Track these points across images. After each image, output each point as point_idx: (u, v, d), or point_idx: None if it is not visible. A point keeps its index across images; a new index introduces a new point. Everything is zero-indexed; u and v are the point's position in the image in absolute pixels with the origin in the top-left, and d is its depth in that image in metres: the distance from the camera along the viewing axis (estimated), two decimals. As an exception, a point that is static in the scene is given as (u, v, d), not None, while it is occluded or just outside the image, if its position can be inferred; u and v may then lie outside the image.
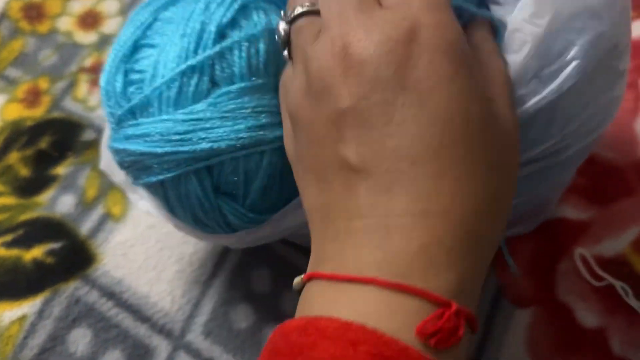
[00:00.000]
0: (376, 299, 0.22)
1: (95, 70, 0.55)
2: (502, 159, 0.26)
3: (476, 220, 0.24)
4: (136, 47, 0.32)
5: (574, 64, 0.32)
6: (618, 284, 0.46)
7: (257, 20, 0.30)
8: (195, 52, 0.29)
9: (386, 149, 0.23)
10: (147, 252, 0.48)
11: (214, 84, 0.30)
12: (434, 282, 0.23)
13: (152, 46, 0.31)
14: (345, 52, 0.23)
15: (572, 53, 0.31)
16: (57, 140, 0.53)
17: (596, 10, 0.31)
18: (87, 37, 0.58)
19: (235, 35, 0.30)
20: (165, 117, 0.29)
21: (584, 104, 0.36)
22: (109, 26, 0.58)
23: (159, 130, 0.29)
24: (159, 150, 0.29)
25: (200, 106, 0.29)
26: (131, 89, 0.31)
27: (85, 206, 0.50)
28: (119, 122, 0.31)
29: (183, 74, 0.29)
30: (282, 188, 0.31)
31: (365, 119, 0.23)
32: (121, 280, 0.47)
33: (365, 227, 0.23)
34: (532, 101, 0.32)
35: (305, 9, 0.27)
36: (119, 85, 0.31)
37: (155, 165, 0.30)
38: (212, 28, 0.30)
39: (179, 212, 0.32)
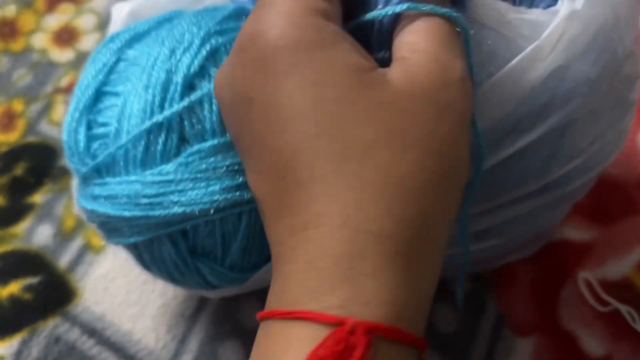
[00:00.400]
0: (275, 333, 0.21)
1: (72, 90, 0.53)
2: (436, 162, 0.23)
3: (383, 224, 0.21)
4: (99, 95, 0.29)
5: (580, 97, 0.30)
6: (624, 309, 0.45)
7: (229, 66, 0.28)
8: (162, 106, 0.27)
9: None
10: (130, 285, 0.46)
11: (184, 140, 0.27)
12: (327, 301, 0.20)
13: (115, 94, 0.29)
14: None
15: (582, 84, 0.29)
16: (33, 166, 0.50)
17: (610, 42, 0.28)
18: (63, 55, 0.55)
19: (204, 87, 0.27)
20: (133, 177, 0.27)
21: (590, 138, 0.33)
22: (85, 43, 0.56)
23: (127, 192, 0.27)
24: (127, 214, 0.27)
25: (170, 167, 0.27)
26: (95, 144, 0.28)
27: (63, 237, 0.47)
28: (85, 180, 0.29)
29: (149, 131, 0.27)
30: (263, 245, 0.29)
31: None
32: (103, 316, 0.45)
33: (274, 255, 0.23)
34: (534, 133, 0.30)
35: None
36: (82, 139, 0.29)
37: (125, 228, 0.28)
38: (178, 79, 0.27)
39: (154, 271, 0.30)
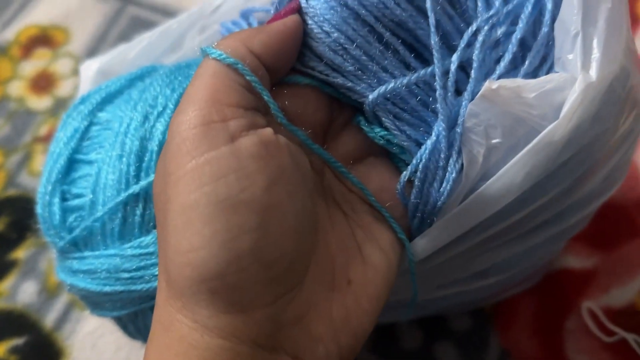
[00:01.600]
0: None
1: (50, 138, 0.51)
2: None
3: None
4: (72, 163, 0.28)
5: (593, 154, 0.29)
6: (631, 337, 0.43)
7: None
8: (137, 176, 0.25)
9: None
10: (118, 342, 0.44)
11: None
12: None
13: (89, 163, 0.27)
14: None
15: (593, 141, 0.28)
16: (15, 220, 0.49)
17: (619, 91, 0.28)
18: (40, 103, 0.54)
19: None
20: (112, 251, 0.26)
21: (597, 179, 0.32)
22: (63, 88, 0.54)
23: (106, 267, 0.25)
24: (108, 289, 0.25)
25: (149, 238, 0.25)
26: (71, 218, 0.27)
27: (48, 294, 0.46)
28: (62, 253, 0.27)
29: (126, 203, 0.25)
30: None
31: None
32: (92, 375, 0.43)
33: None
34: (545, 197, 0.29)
35: None
36: (56, 212, 0.27)
37: (107, 303, 0.26)
38: (154, 147, 0.26)
39: (140, 339, 0.28)
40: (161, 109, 0.27)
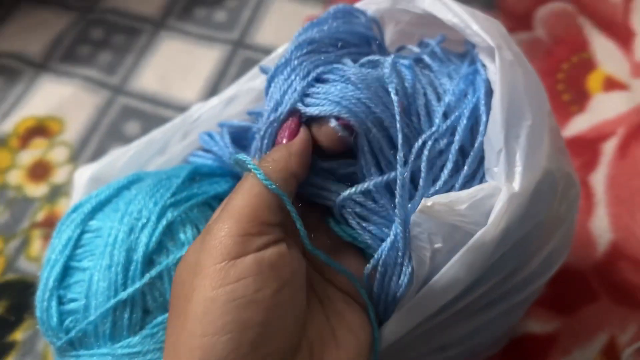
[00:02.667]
0: None
1: (47, 224, 0.55)
2: None
3: None
4: (67, 269, 0.32)
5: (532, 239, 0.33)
6: (593, 397, 0.46)
7: (185, 238, 0.30)
8: (124, 284, 0.29)
9: None
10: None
11: (148, 313, 0.30)
12: None
13: (82, 270, 0.31)
14: None
15: (531, 231, 0.32)
16: (13, 304, 0.52)
17: (549, 189, 0.32)
18: (37, 190, 0.57)
19: (163, 261, 0.30)
20: (104, 350, 0.29)
21: (544, 253, 0.36)
22: (59, 176, 0.58)
23: (99, 364, 0.29)
24: (102, 384, 0.29)
25: (136, 339, 0.29)
26: (67, 321, 0.31)
27: (46, 375, 0.48)
28: (60, 351, 0.31)
29: (115, 308, 0.29)
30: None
31: None
32: None
33: None
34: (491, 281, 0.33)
35: None
36: (54, 315, 0.31)
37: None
38: (138, 257, 0.30)
39: None
40: (145, 221, 0.31)
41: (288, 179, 0.29)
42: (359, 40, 0.36)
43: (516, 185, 0.30)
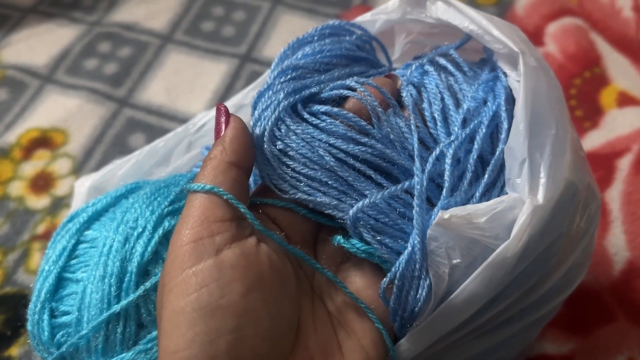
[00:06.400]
0: None
1: (48, 236, 0.53)
2: None
3: None
4: (60, 280, 0.30)
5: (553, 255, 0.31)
6: (611, 422, 0.44)
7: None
8: (118, 296, 0.28)
9: None
10: None
11: (142, 327, 0.28)
12: None
13: (76, 281, 0.29)
14: None
15: (552, 244, 0.31)
16: (10, 317, 0.50)
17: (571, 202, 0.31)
18: (39, 202, 0.56)
19: (158, 272, 0.28)
20: (96, 366, 0.27)
21: (564, 269, 0.35)
22: (61, 188, 0.57)
23: (92, 381, 0.27)
24: (95, 401, 0.27)
25: (130, 355, 0.27)
26: (58, 335, 0.29)
27: (42, 392, 0.47)
28: (53, 366, 0.29)
29: (108, 322, 0.28)
30: None
31: None
32: None
33: None
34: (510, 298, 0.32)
35: None
36: (45, 329, 0.29)
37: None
38: (133, 268, 0.28)
39: None
40: (141, 230, 0.29)
41: (225, 170, 0.28)
42: (346, 60, 0.35)
43: (540, 197, 0.28)
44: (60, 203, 0.56)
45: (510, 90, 0.31)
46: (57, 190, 0.57)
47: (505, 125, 0.31)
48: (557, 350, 0.47)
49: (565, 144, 0.30)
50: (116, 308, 0.28)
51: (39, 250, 0.53)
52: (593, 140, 0.59)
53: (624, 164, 0.56)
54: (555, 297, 0.38)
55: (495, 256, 0.28)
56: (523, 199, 0.28)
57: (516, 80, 0.30)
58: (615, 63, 0.65)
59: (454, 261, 0.28)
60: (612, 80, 0.63)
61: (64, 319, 0.29)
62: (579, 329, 0.48)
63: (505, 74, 0.32)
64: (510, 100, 0.31)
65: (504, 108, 0.31)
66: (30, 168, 0.58)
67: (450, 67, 0.34)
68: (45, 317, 0.30)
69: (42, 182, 0.57)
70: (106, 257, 0.29)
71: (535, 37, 0.69)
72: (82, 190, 0.37)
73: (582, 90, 0.63)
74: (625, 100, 0.61)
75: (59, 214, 0.55)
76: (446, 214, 0.27)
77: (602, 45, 0.67)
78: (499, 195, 0.31)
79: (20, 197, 0.57)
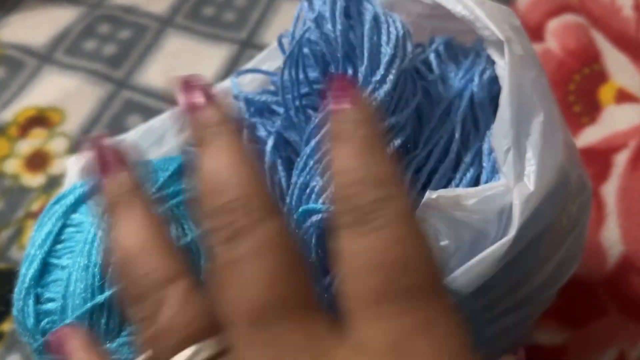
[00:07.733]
0: None
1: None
2: None
3: None
4: (45, 265, 0.30)
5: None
6: (601, 414, 0.44)
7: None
8: (101, 287, 0.27)
9: None
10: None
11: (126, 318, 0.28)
12: None
13: (61, 268, 0.29)
14: None
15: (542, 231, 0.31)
16: (2, 294, 0.50)
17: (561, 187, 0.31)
18: (34, 180, 0.56)
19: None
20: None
21: (555, 261, 0.35)
22: (57, 166, 0.57)
23: (76, 369, 0.27)
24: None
25: (113, 346, 0.27)
26: (44, 322, 0.29)
27: (32, 368, 0.47)
28: (38, 352, 0.30)
29: (92, 312, 0.27)
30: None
31: None
32: None
33: None
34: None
35: None
36: (31, 315, 0.29)
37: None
38: None
39: None
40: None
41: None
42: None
43: (531, 184, 0.28)
44: (55, 182, 0.56)
45: (497, 79, 0.31)
46: (53, 169, 0.57)
47: (489, 115, 0.31)
48: (551, 341, 0.48)
49: (554, 132, 0.30)
50: (100, 298, 0.27)
51: (32, 228, 0.53)
52: (590, 136, 0.59)
53: (621, 159, 0.56)
54: (548, 289, 0.38)
55: (486, 241, 0.28)
56: (510, 186, 0.28)
57: (503, 68, 0.30)
58: (614, 60, 0.65)
59: (442, 243, 0.28)
60: (611, 77, 0.63)
61: (49, 305, 0.29)
62: (572, 320, 0.49)
63: (493, 62, 0.31)
64: (497, 90, 0.31)
65: (488, 98, 0.31)
66: (26, 146, 0.59)
67: (436, 63, 0.34)
68: (30, 303, 0.29)
69: (38, 161, 0.57)
70: (90, 245, 0.29)
71: (536, 33, 0.69)
72: (76, 169, 0.37)
73: (581, 86, 0.63)
74: (623, 96, 0.61)
75: (54, 193, 0.55)
76: (434, 194, 0.27)
77: (602, 42, 0.67)
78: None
79: (15, 175, 0.57)
